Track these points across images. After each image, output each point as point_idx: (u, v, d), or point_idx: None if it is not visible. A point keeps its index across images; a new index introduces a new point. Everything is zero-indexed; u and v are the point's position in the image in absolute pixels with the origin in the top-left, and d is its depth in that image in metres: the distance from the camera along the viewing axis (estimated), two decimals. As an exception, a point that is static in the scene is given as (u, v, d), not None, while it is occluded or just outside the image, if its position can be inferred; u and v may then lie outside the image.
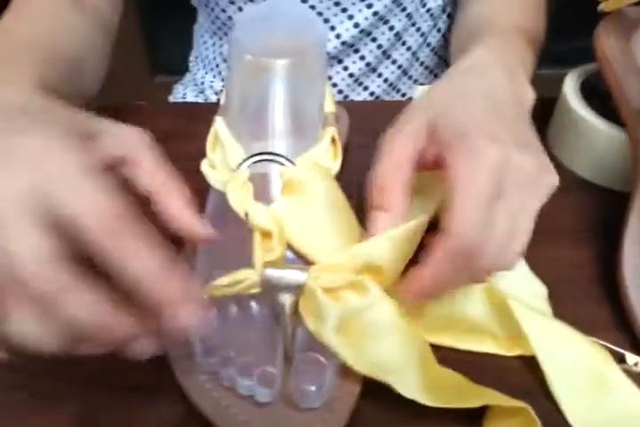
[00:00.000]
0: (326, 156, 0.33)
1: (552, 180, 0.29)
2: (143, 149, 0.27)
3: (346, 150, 0.44)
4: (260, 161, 0.30)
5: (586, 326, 0.33)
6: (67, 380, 0.31)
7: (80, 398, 0.30)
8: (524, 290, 0.34)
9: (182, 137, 0.45)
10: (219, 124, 0.33)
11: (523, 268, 0.36)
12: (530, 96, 0.34)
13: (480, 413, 0.29)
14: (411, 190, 0.29)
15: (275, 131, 0.31)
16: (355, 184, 0.33)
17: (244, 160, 0.30)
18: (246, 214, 0.28)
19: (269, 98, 0.31)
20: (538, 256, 0.37)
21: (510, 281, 0.34)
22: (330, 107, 0.36)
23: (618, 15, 0.43)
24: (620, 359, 0.31)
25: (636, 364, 0.31)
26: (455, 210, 0.26)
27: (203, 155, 0.43)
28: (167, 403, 0.30)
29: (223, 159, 0.32)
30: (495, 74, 0.33)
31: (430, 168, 0.30)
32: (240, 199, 0.29)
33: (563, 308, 0.34)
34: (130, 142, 0.27)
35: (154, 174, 0.26)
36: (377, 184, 0.29)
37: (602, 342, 0.32)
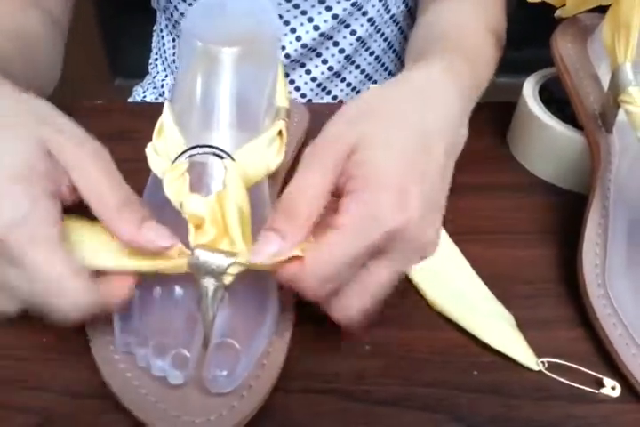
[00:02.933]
0: (269, 149, 0.32)
1: (433, 251, 0.29)
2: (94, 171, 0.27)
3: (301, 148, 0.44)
4: (197, 154, 0.30)
5: (547, 325, 0.34)
6: (24, 389, 0.30)
7: (37, 408, 0.29)
8: (496, 315, 0.34)
9: (138, 136, 0.44)
10: (165, 110, 0.33)
11: (489, 297, 0.35)
12: (464, 132, 0.32)
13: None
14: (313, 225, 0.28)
15: (219, 120, 0.31)
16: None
17: (183, 152, 0.30)
18: (181, 205, 0.28)
19: (216, 86, 0.31)
20: (500, 256, 0.38)
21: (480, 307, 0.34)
22: (283, 101, 0.36)
23: (574, 21, 0.44)
24: (598, 384, 0.31)
25: (613, 387, 0.31)
26: (321, 255, 0.26)
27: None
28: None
29: (164, 147, 0.32)
30: (440, 105, 0.31)
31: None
32: (176, 190, 0.29)
33: (523, 307, 0.34)
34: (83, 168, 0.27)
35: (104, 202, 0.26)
36: (287, 208, 0.27)
37: (577, 366, 0.31)
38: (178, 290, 0.30)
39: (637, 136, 0.34)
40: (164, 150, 0.31)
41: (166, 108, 0.33)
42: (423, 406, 0.30)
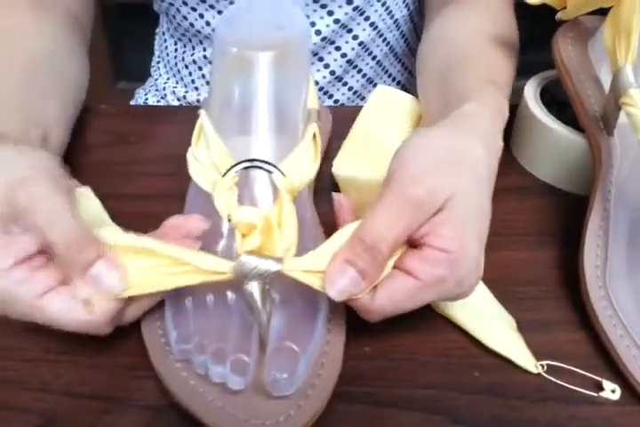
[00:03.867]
0: (306, 155, 0.32)
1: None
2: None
3: (326, 152, 0.44)
4: (248, 168, 0.31)
5: (548, 327, 0.34)
6: (26, 391, 0.30)
7: (39, 409, 0.30)
8: (497, 317, 0.34)
9: (141, 140, 0.45)
10: (204, 119, 0.33)
11: (491, 299, 0.35)
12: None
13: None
14: None
15: (258, 125, 0.32)
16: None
17: (232, 167, 0.31)
18: (229, 219, 0.29)
19: (253, 91, 0.32)
20: (501, 258, 0.38)
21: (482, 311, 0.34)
22: (313, 103, 0.36)
23: (574, 23, 0.44)
24: (598, 387, 0.31)
25: (613, 391, 0.30)
26: (394, 300, 0.28)
27: (161, 158, 0.42)
28: (132, 409, 0.29)
29: (207, 155, 0.32)
30: (493, 149, 0.33)
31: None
32: (225, 204, 0.29)
33: (523, 309, 0.34)
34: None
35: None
36: (371, 247, 0.27)
37: (576, 369, 0.31)
38: (230, 296, 0.30)
39: (638, 138, 0.34)
40: (206, 160, 0.32)
41: (204, 117, 0.33)
42: (423, 407, 0.30)
